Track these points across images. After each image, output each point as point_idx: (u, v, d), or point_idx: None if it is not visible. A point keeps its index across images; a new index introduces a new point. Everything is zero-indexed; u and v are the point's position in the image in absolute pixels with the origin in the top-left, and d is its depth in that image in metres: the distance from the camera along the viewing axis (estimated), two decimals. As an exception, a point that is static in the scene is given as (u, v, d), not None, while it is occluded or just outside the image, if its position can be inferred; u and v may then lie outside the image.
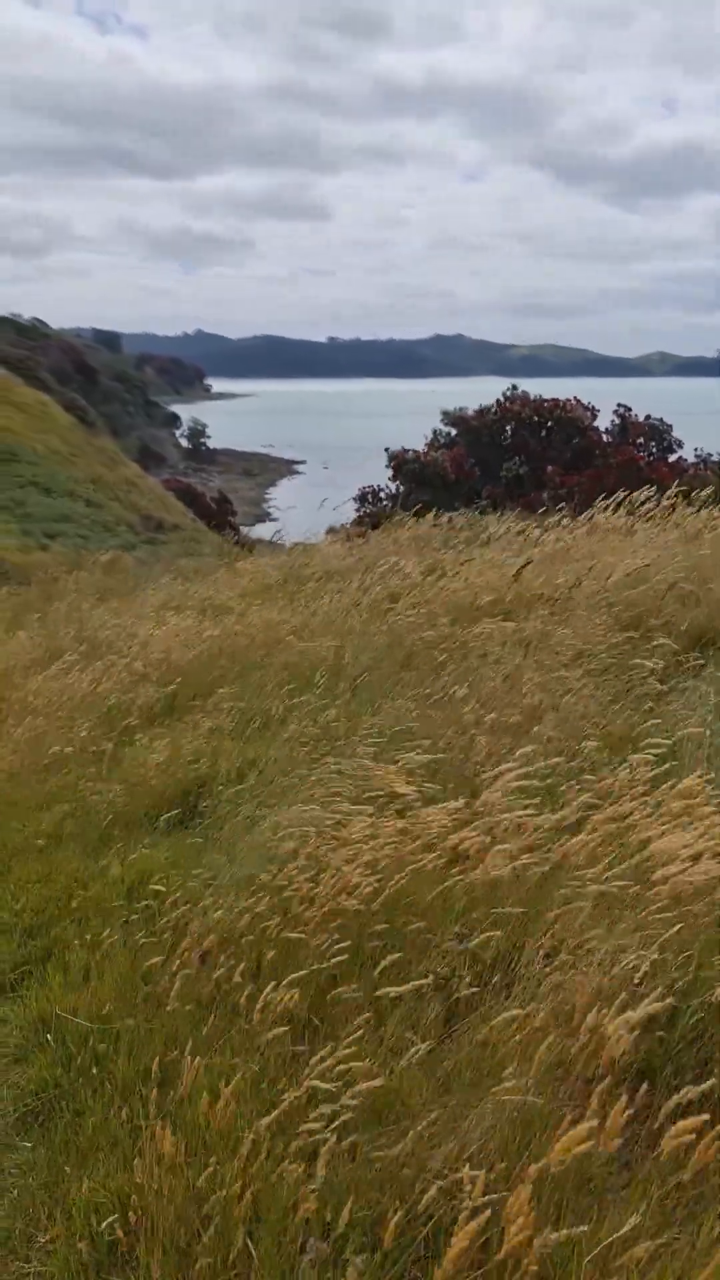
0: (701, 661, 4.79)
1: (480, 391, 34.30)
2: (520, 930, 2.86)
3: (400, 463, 28.95)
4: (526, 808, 3.21)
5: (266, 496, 72.50)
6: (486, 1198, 1.91)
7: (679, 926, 2.52)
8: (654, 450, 30.58)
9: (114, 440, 48.02)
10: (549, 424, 29.91)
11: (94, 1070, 2.94)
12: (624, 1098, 2.01)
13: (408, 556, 8.35)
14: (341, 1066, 2.36)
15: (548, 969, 2.61)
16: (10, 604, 13.16)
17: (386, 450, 29.19)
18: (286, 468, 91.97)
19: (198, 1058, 2.64)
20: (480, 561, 7.37)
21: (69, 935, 3.78)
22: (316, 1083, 2.33)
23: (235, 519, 42.49)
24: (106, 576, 14.71)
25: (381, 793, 3.68)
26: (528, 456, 29.33)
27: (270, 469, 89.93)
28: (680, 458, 30.07)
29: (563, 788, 3.47)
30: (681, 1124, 1.93)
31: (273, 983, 2.77)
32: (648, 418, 31.38)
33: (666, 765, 3.45)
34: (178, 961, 3.18)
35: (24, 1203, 2.58)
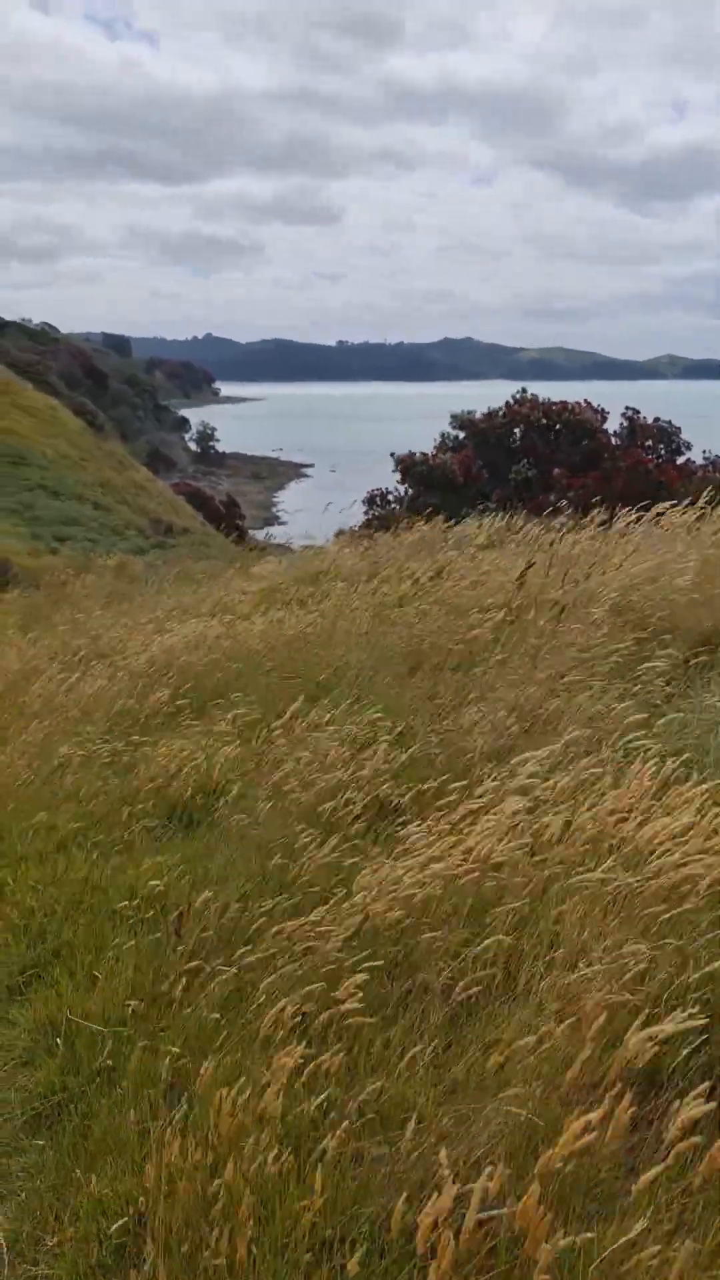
0: (709, 665, 4.77)
1: (489, 395, 34.29)
2: (521, 930, 2.86)
3: (408, 466, 28.99)
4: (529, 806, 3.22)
5: (275, 500, 72.65)
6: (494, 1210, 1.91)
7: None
8: (662, 453, 30.55)
9: (123, 444, 48.20)
10: (557, 427, 29.90)
11: (102, 1074, 2.95)
12: (628, 1096, 2.00)
13: (415, 559, 8.35)
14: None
15: (550, 969, 2.61)
16: (20, 607, 13.21)
17: (393, 455, 29.22)
18: (295, 471, 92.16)
19: (208, 1062, 2.64)
20: (487, 564, 7.37)
21: (78, 938, 3.79)
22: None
23: (244, 522, 42.59)
24: (116, 580, 14.75)
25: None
26: (536, 459, 29.33)
27: (279, 472, 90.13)
28: (689, 460, 30.01)
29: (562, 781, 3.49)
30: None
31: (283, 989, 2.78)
32: (656, 420, 31.35)
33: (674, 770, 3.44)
34: (183, 963, 3.18)
35: (32, 1205, 2.59)
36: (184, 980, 3.12)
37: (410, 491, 28.41)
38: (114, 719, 6.17)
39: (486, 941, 2.72)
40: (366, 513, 27.11)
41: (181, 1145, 2.35)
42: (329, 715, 4.94)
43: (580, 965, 2.55)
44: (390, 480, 29.29)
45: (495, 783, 3.48)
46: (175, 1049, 2.84)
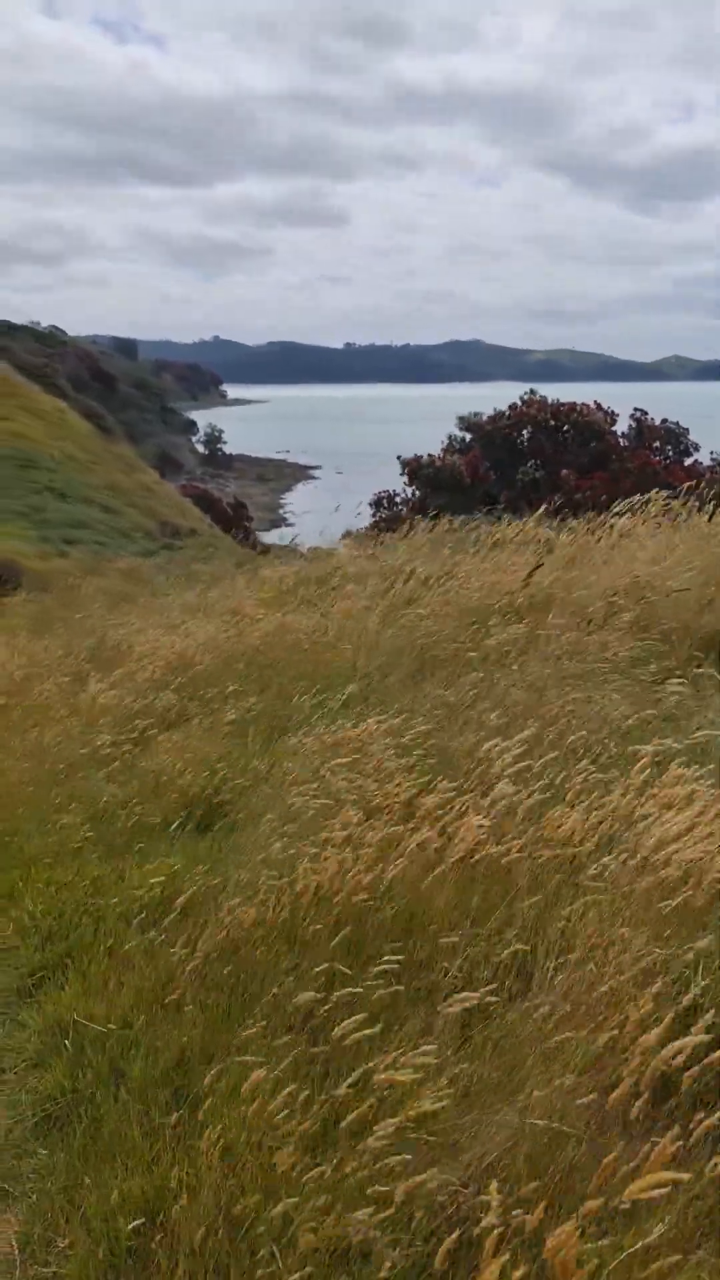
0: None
1: (497, 397, 34.26)
2: (532, 930, 2.85)
3: (415, 469, 29.00)
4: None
5: (282, 502, 72.72)
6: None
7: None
8: (670, 454, 30.51)
9: (131, 446, 48.29)
10: (565, 428, 29.87)
11: (111, 1075, 2.95)
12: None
13: (422, 560, 8.34)
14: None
15: (562, 970, 2.60)
16: (29, 610, 13.24)
17: (399, 458, 29.24)
18: (302, 473, 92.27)
19: (218, 1065, 2.64)
20: (493, 565, 7.36)
21: (87, 940, 3.79)
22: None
23: (251, 524, 42.64)
24: (124, 583, 14.78)
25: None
26: (544, 460, 29.30)
27: (286, 474, 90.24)
28: (696, 461, 29.97)
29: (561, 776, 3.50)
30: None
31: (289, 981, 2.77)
32: (664, 421, 31.31)
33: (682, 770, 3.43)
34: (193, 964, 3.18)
35: (43, 1207, 2.59)
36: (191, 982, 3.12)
37: (417, 493, 28.41)
38: (122, 721, 6.17)
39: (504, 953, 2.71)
40: (374, 515, 27.13)
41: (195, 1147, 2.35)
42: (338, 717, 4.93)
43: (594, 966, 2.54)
44: (397, 482, 29.31)
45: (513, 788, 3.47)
46: (182, 1050, 2.85)
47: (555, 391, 33.41)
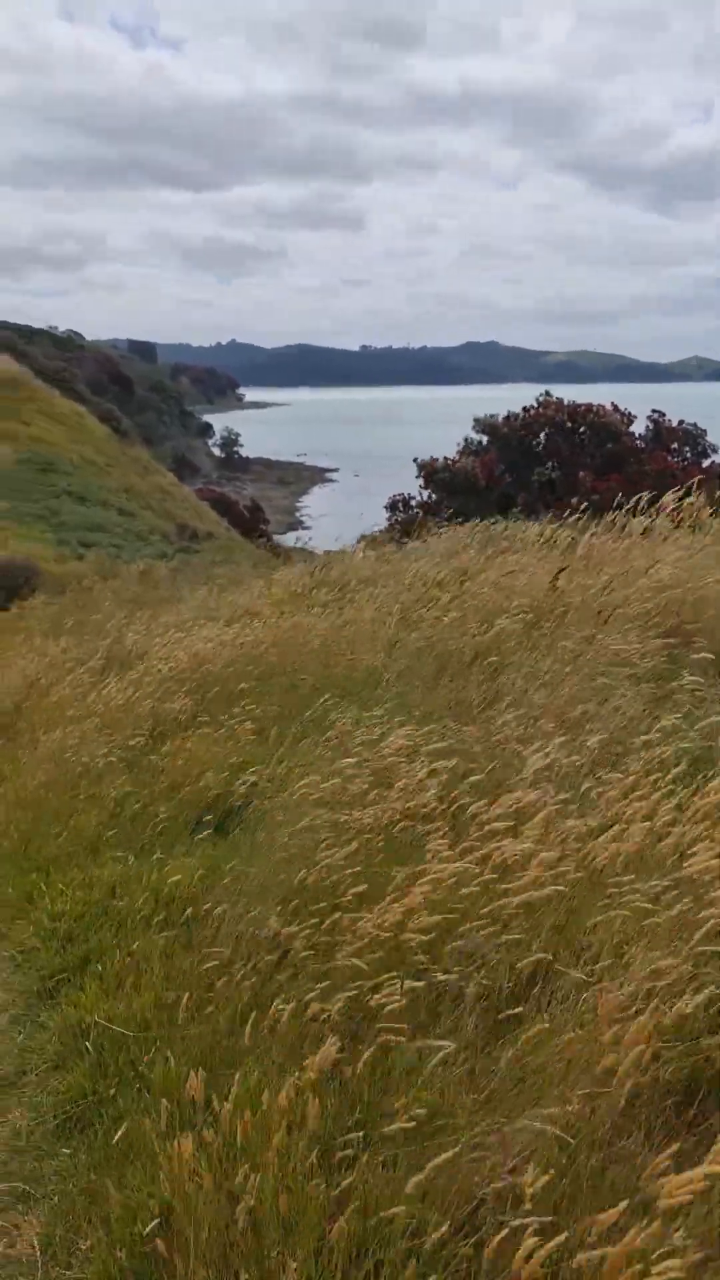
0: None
1: (514, 398, 34.18)
2: (558, 939, 2.83)
3: (431, 472, 28.95)
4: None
5: (299, 505, 72.83)
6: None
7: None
8: (688, 455, 30.35)
9: (148, 450, 48.47)
10: (582, 429, 29.74)
11: (131, 1077, 2.95)
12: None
13: (438, 563, 8.32)
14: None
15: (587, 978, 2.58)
16: (47, 612, 13.31)
17: (415, 460, 29.20)
18: (319, 476, 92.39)
19: (236, 1069, 2.64)
20: (511, 567, 7.33)
21: (107, 942, 3.81)
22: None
23: (268, 527, 42.71)
24: (141, 586, 14.83)
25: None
26: (560, 462, 29.18)
27: (303, 477, 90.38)
28: (714, 463, 29.80)
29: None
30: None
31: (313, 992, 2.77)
32: (681, 423, 31.14)
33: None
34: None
35: (64, 1209, 2.60)
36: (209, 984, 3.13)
37: (433, 496, 28.37)
38: (138, 723, 6.19)
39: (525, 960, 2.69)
40: (389, 518, 27.10)
41: (211, 1150, 2.35)
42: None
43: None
44: (414, 485, 29.26)
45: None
46: (202, 1053, 2.85)
47: (573, 393, 33.29)
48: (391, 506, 28.57)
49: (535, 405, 30.99)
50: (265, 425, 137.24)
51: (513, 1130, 2.13)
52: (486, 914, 2.82)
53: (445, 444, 31.57)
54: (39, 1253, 2.47)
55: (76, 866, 4.61)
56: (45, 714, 7.28)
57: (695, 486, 7.89)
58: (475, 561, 8.04)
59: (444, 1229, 1.98)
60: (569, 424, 29.93)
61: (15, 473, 30.96)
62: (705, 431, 31.18)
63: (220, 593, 10.99)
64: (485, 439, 31.00)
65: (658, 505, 7.69)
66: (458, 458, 30.12)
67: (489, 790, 3.54)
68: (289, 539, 37.35)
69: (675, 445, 30.50)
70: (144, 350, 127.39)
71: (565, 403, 30.77)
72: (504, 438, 30.37)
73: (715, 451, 30.88)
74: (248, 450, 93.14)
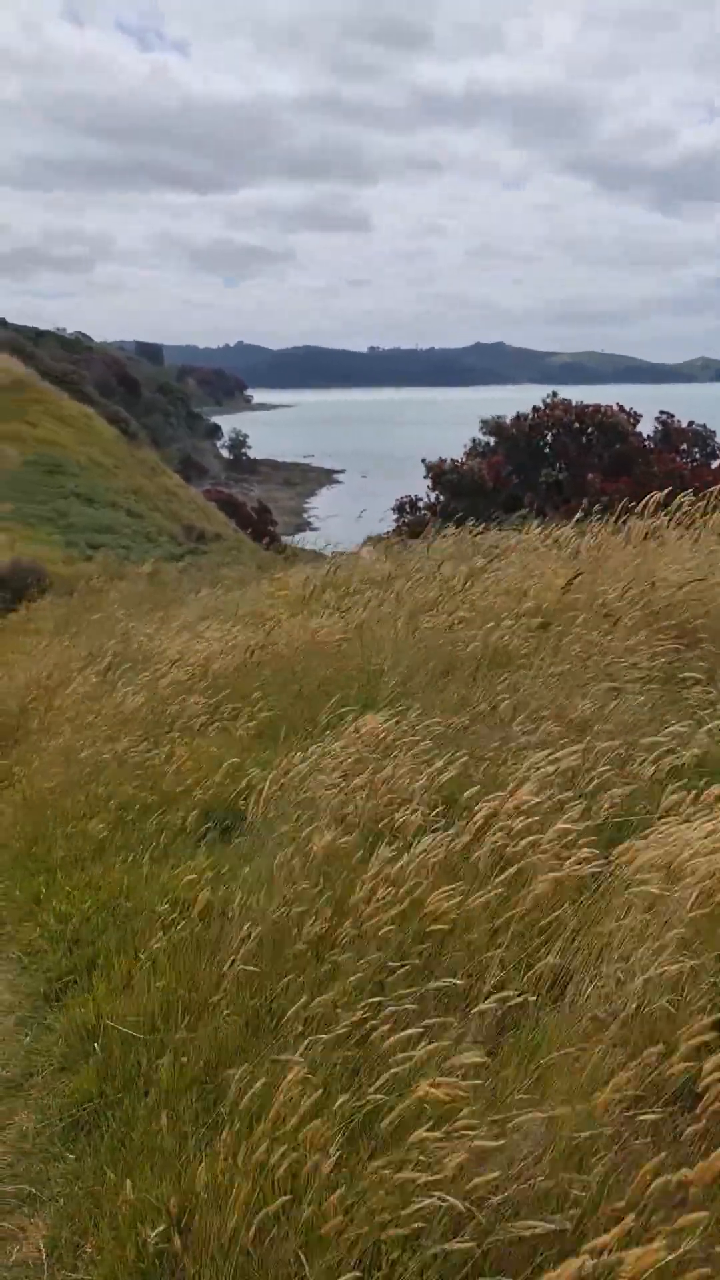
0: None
1: (521, 399, 34.13)
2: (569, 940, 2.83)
3: (438, 473, 28.93)
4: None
5: (306, 506, 72.84)
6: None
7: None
8: (697, 456, 30.27)
9: (156, 451, 48.54)
10: (589, 430, 29.67)
11: (139, 1080, 2.95)
12: None
13: (445, 565, 8.31)
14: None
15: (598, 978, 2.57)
16: (55, 614, 13.34)
17: (424, 461, 29.17)
18: (326, 477, 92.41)
19: (247, 1069, 2.64)
20: (519, 569, 7.32)
21: (114, 944, 3.80)
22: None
23: (275, 528, 42.72)
24: (149, 587, 14.83)
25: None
26: (568, 463, 29.12)
27: (310, 478, 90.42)
28: (724, 463, 29.71)
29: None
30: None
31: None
32: (690, 424, 31.07)
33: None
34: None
35: (71, 1211, 2.60)
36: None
37: (440, 498, 28.35)
38: (147, 725, 6.19)
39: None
40: (397, 520, 27.09)
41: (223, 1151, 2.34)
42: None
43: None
44: (422, 486, 29.25)
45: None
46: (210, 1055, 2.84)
47: (580, 394, 33.21)
48: (399, 508, 28.56)
49: (542, 406, 30.94)
50: (272, 426, 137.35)
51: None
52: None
53: (452, 445, 31.55)
54: (45, 1255, 2.46)
55: (84, 869, 4.61)
56: (53, 716, 7.29)
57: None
58: (481, 564, 8.02)
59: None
60: (576, 425, 29.87)
61: (23, 474, 31.05)
62: (715, 432, 31.10)
63: (228, 593, 10.99)
64: (492, 440, 30.96)
65: (676, 508, 7.63)
66: (465, 459, 30.10)
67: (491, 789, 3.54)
68: (297, 540, 37.39)
69: (684, 446, 30.43)
70: (151, 352, 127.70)
71: (572, 404, 30.71)
72: (511, 439, 30.31)
73: (723, 452, 30.79)
74: (255, 451, 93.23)
